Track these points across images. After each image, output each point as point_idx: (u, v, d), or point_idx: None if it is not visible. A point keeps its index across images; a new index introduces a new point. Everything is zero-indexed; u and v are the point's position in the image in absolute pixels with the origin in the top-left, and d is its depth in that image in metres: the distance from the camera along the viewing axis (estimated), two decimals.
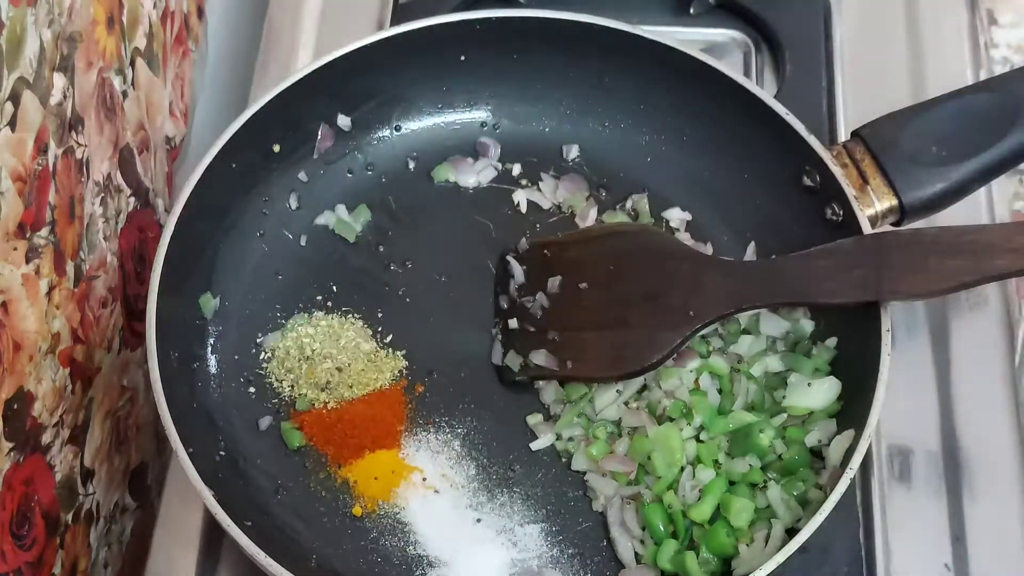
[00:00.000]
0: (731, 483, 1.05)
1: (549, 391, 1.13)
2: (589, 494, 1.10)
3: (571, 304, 1.13)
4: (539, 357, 1.12)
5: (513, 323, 1.15)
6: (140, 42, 1.23)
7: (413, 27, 1.20)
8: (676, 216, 1.23)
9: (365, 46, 1.19)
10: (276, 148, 1.20)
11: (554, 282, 1.14)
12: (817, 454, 1.06)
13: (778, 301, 1.09)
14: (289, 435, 1.12)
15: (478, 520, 1.09)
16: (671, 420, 1.08)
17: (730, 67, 1.20)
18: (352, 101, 1.23)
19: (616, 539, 1.07)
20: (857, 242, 1.06)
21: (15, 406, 0.97)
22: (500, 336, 1.16)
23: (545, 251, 1.17)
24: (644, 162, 1.25)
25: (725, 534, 1.02)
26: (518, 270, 1.17)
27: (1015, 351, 1.20)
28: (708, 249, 1.20)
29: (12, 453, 0.98)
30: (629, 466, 1.07)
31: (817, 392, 1.07)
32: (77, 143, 1.07)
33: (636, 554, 1.06)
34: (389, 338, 1.18)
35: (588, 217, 1.23)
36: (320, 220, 1.22)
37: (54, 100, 1.01)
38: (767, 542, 1.02)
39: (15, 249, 0.96)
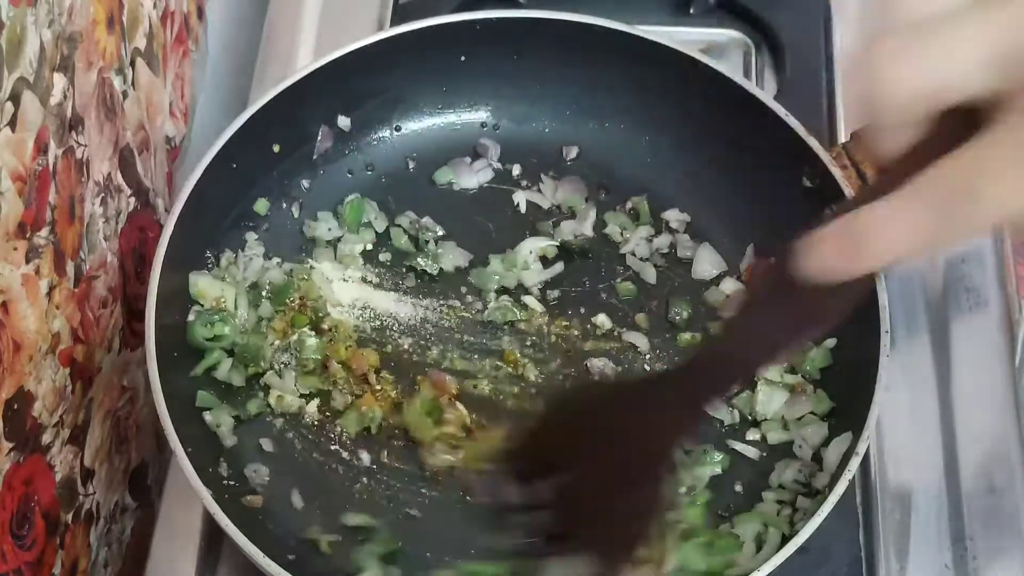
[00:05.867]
0: None
1: None
2: None
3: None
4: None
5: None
6: (140, 42, 1.23)
7: (413, 27, 1.20)
8: (675, 217, 1.23)
9: (365, 46, 1.19)
10: (276, 148, 1.20)
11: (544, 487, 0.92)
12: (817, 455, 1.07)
13: (734, 384, 0.92)
14: None
15: None
16: None
17: (730, 67, 1.20)
18: (352, 101, 1.23)
19: None
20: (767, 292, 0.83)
21: (15, 406, 0.97)
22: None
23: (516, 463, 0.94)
24: (644, 162, 1.25)
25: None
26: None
27: (1015, 351, 1.20)
28: (708, 249, 1.20)
29: (12, 453, 0.98)
30: None
31: None
32: (77, 143, 1.07)
33: None
34: None
35: (588, 217, 1.23)
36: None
37: (54, 100, 1.01)
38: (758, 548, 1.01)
39: (15, 249, 0.96)
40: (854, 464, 0.99)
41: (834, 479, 1.00)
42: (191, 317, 1.12)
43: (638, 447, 0.88)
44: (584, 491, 0.90)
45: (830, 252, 0.66)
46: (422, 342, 1.18)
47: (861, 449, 0.99)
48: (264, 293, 1.17)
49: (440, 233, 1.22)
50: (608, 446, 0.90)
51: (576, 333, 1.18)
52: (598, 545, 0.90)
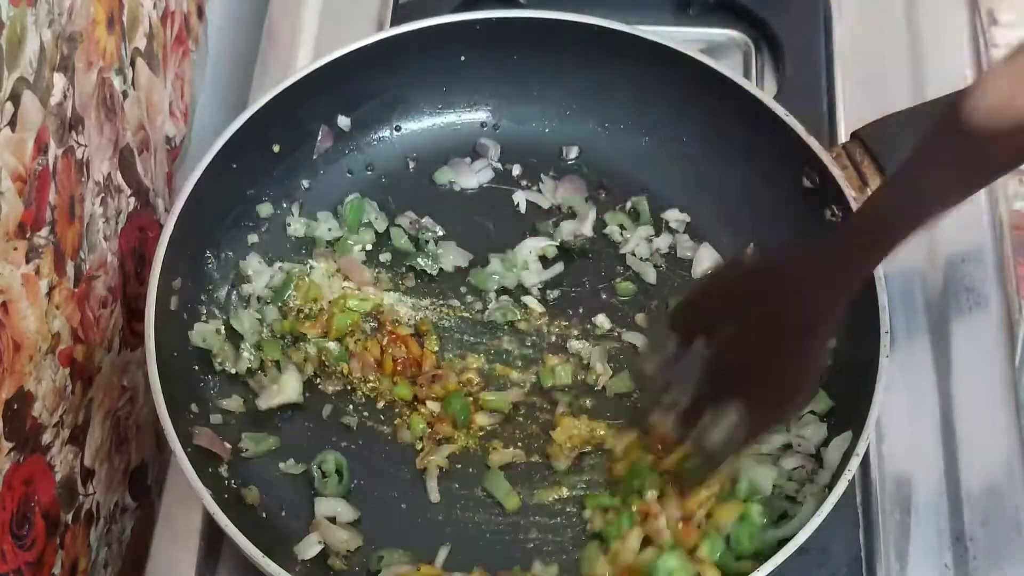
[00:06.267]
0: None
1: None
2: None
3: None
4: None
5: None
6: (140, 42, 1.23)
7: (413, 27, 1.20)
8: (675, 217, 1.23)
9: (365, 46, 1.19)
10: (276, 148, 1.20)
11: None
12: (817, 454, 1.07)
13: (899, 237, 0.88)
14: None
15: None
16: None
17: (730, 67, 1.20)
18: (352, 101, 1.23)
19: None
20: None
21: (15, 406, 0.97)
22: None
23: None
24: (644, 162, 1.25)
25: None
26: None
27: (1015, 351, 1.20)
28: (708, 249, 1.20)
29: (12, 453, 0.98)
30: None
31: None
32: (77, 143, 1.07)
33: None
34: None
35: (587, 218, 1.23)
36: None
37: (54, 100, 1.01)
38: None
39: (15, 249, 0.96)
40: (854, 464, 0.99)
41: (834, 479, 1.00)
42: None
43: (796, 309, 0.91)
44: (741, 348, 0.93)
45: (1003, 89, 0.61)
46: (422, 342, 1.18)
47: (861, 449, 0.99)
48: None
49: (440, 233, 1.22)
50: (766, 307, 0.92)
51: (576, 333, 1.18)
52: (753, 400, 0.94)
